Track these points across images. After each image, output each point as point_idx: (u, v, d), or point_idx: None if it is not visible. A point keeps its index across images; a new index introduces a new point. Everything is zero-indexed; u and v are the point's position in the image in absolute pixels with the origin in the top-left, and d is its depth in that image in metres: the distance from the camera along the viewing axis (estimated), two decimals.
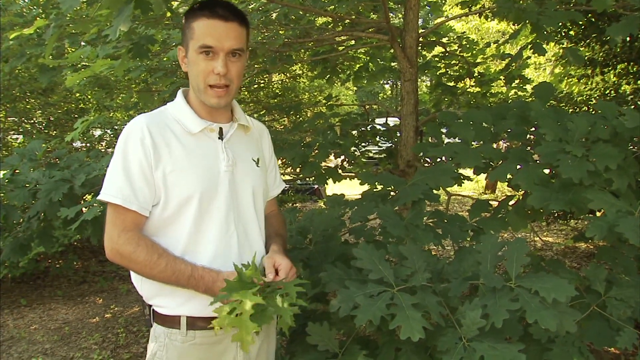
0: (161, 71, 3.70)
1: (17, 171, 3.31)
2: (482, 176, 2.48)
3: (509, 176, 2.17)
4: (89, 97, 7.17)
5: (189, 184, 1.56)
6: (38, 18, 3.34)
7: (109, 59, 2.87)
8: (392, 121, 4.96)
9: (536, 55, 3.26)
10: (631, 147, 2.15)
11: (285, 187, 2.47)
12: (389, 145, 4.65)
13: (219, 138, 1.67)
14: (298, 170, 3.54)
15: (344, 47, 4.58)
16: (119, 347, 4.37)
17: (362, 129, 4.37)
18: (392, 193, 2.35)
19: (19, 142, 7.23)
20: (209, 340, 1.59)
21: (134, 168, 1.52)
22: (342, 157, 4.43)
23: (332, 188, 10.74)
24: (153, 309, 1.62)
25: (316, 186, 10.73)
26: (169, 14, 2.80)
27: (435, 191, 2.26)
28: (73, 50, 3.55)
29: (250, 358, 1.69)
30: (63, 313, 5.21)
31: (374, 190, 2.43)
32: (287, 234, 1.96)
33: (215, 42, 1.53)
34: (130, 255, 1.50)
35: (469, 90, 5.08)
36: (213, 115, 1.67)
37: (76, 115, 7.04)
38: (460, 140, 2.45)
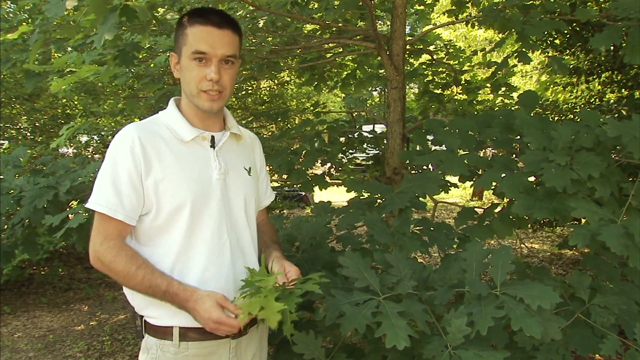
0: (148, 77, 3.69)
1: (1, 177, 3.28)
2: (469, 183, 2.50)
3: (494, 184, 2.20)
4: (76, 103, 7.13)
5: (181, 192, 1.55)
6: (24, 23, 3.32)
7: (95, 64, 2.86)
8: (380, 128, 4.98)
9: (522, 63, 3.30)
10: (614, 155, 2.18)
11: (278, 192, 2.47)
12: (376, 152, 4.67)
13: (210, 146, 1.66)
14: (285, 177, 3.54)
15: (331, 55, 4.59)
16: (104, 355, 4.33)
17: (350, 136, 4.38)
18: (379, 201, 2.36)
19: (4, 148, 7.16)
20: (202, 352, 1.57)
21: (123, 177, 1.51)
22: (329, 164, 4.44)
23: (319, 195, 10.75)
24: (145, 320, 1.60)
25: (303, 193, 10.72)
26: (154, 21, 2.79)
27: (421, 199, 2.27)
28: (59, 55, 3.53)
29: None
30: (48, 321, 5.15)
31: (361, 197, 2.43)
32: (280, 242, 1.97)
33: (209, 49, 1.53)
34: (109, 264, 1.51)
35: (455, 97, 5.12)
36: (205, 123, 1.66)
37: (62, 121, 7.00)
38: (446, 148, 2.47)
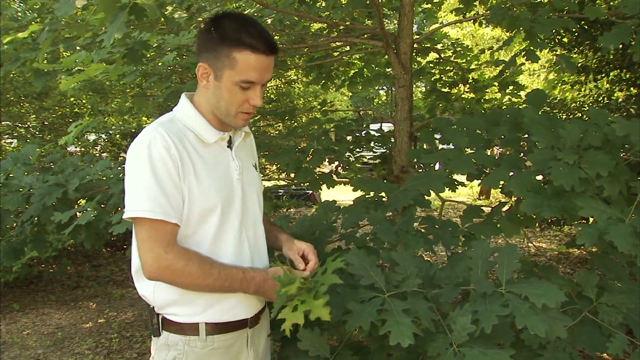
0: (156, 76, 3.71)
1: (10, 175, 3.31)
2: (477, 182, 2.50)
3: (501, 183, 2.19)
4: (84, 101, 7.17)
5: (212, 196, 1.56)
6: (33, 22, 3.34)
7: (103, 63, 2.88)
8: (387, 127, 4.97)
9: (530, 62, 3.29)
10: (622, 154, 2.17)
11: (280, 192, 2.47)
12: (384, 151, 4.66)
13: (228, 147, 1.68)
14: (292, 175, 3.54)
15: (338, 53, 4.59)
16: (112, 352, 4.35)
17: (357, 134, 4.38)
18: (384, 199, 2.36)
19: (13, 147, 7.22)
20: (225, 344, 1.62)
21: (165, 179, 1.47)
22: (337, 162, 4.44)
23: (326, 194, 10.75)
24: (164, 318, 1.60)
25: (311, 192, 10.73)
26: (163, 19, 2.80)
27: (429, 197, 2.27)
28: (68, 54, 3.55)
29: (258, 356, 1.75)
30: (56, 318, 5.19)
31: (367, 196, 2.43)
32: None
33: (258, 77, 1.53)
34: (183, 269, 1.47)
35: (463, 96, 5.10)
36: (223, 124, 1.65)
37: (70, 120, 7.04)
38: (453, 147, 2.46)
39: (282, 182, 4.98)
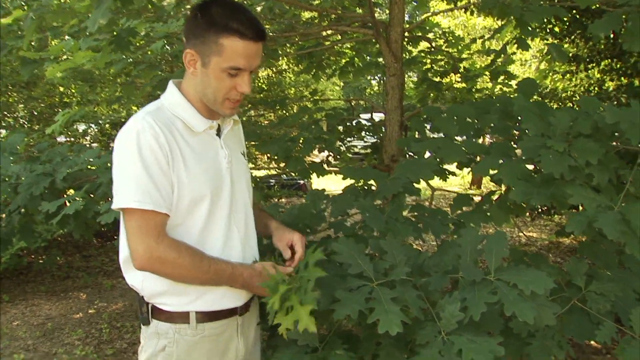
0: (144, 64, 3.67)
1: None
2: (468, 172, 2.49)
3: (492, 171, 2.18)
4: (73, 90, 7.10)
5: (201, 185, 1.54)
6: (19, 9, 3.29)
7: (90, 51, 2.84)
8: (378, 117, 4.96)
9: (521, 51, 3.28)
10: (613, 142, 2.16)
11: (271, 182, 2.46)
12: (375, 140, 4.65)
13: (216, 135, 1.66)
14: (282, 164, 3.52)
15: (329, 42, 4.57)
16: (102, 342, 4.34)
17: (348, 123, 4.36)
18: (374, 188, 2.35)
19: (2, 137, 7.14)
20: (215, 332, 1.62)
21: (155, 168, 1.45)
22: (328, 152, 4.42)
23: (318, 183, 10.73)
24: (153, 306, 1.59)
25: (302, 181, 10.70)
26: (150, 6, 2.77)
27: (419, 186, 2.26)
28: (56, 43, 3.50)
29: (248, 344, 1.75)
30: (46, 309, 5.16)
31: (356, 184, 2.42)
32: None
33: (245, 64, 1.50)
34: (174, 260, 1.45)
35: (454, 85, 5.09)
36: (211, 112, 1.62)
37: (59, 109, 6.96)
38: (444, 135, 2.45)
39: (273, 172, 4.95)
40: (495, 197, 2.40)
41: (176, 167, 1.49)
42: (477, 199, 2.47)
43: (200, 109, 1.60)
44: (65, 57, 3.31)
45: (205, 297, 1.58)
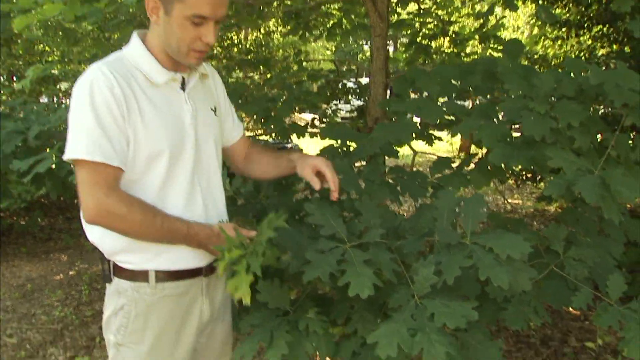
0: (118, 19, 3.53)
1: None
2: (457, 138, 2.43)
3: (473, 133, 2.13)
4: (54, 48, 6.91)
5: (159, 139, 1.47)
6: None
7: (61, 3, 2.71)
8: (366, 81, 4.87)
9: (514, 17, 3.19)
10: (600, 107, 2.11)
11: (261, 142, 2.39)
12: (361, 104, 4.58)
13: (180, 88, 1.57)
14: (261, 125, 3.45)
15: (316, 2, 4.43)
16: (81, 304, 4.31)
17: (333, 86, 4.28)
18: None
19: None
20: (176, 292, 1.57)
21: (107, 119, 1.38)
22: (314, 115, 4.36)
23: (307, 147, 10.65)
24: (114, 264, 1.55)
25: (289, 145, 10.62)
26: None
27: (403, 150, 2.20)
28: None
29: (215, 306, 1.71)
30: (27, 270, 5.11)
31: (335, 146, 2.36)
32: None
33: (210, 12, 1.41)
34: (124, 215, 1.40)
35: (443, 50, 4.99)
36: (175, 64, 1.54)
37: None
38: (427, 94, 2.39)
39: (251, 133, 4.88)
40: (475, 160, 2.35)
41: (132, 120, 1.42)
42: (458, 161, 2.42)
43: (163, 60, 1.52)
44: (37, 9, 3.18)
45: (164, 256, 1.52)
